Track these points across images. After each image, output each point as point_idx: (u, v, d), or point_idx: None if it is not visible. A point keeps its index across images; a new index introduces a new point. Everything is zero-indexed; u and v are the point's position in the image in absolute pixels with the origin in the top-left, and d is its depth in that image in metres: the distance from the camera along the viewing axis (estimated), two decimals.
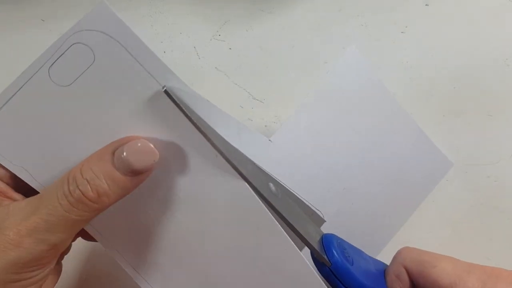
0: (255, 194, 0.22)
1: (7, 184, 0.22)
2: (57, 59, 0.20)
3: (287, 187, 0.28)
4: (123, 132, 0.21)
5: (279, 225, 0.22)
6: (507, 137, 0.36)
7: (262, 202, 0.21)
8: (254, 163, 0.24)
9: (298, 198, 0.28)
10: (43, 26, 0.38)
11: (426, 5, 0.39)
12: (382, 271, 0.27)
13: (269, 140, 0.27)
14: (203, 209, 0.23)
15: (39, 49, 0.34)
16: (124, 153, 0.20)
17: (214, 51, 0.38)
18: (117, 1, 0.39)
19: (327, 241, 0.24)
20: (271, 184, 0.23)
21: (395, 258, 0.26)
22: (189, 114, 0.19)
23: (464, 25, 0.39)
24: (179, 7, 0.40)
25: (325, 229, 0.34)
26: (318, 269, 0.23)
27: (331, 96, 0.29)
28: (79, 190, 0.20)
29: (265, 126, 0.37)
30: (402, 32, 0.39)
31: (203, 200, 0.23)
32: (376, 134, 0.32)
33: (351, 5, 0.40)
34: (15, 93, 0.21)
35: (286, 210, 0.22)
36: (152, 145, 0.21)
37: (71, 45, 0.20)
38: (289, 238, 0.22)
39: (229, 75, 0.38)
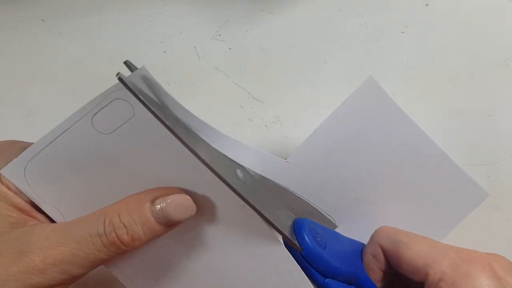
0: (283, 245, 0.22)
1: (31, 205, 0.23)
2: (100, 109, 0.21)
3: (301, 196, 0.28)
4: (156, 183, 0.22)
5: (307, 279, 0.22)
6: (507, 137, 0.36)
7: (229, 189, 0.21)
8: (220, 152, 0.24)
9: (290, 193, 0.27)
10: (43, 26, 0.38)
11: (426, 5, 0.39)
12: (359, 251, 0.26)
13: (286, 161, 0.29)
14: (229, 255, 0.23)
15: (39, 49, 0.34)
16: (164, 204, 0.21)
17: (214, 51, 0.38)
18: (117, 1, 0.39)
19: (298, 226, 0.23)
20: (238, 171, 0.23)
21: (372, 238, 0.26)
22: (151, 107, 0.19)
23: (464, 25, 0.39)
24: (179, 7, 0.40)
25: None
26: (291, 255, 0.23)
27: (348, 120, 0.30)
28: (115, 233, 0.20)
29: (265, 126, 0.37)
30: (402, 32, 0.39)
31: (230, 247, 0.23)
32: (394, 156, 0.32)
33: (351, 5, 0.40)
34: (59, 135, 0.22)
35: (254, 197, 0.22)
36: (191, 200, 0.21)
37: (113, 100, 0.21)
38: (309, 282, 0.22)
39: (229, 75, 0.38)
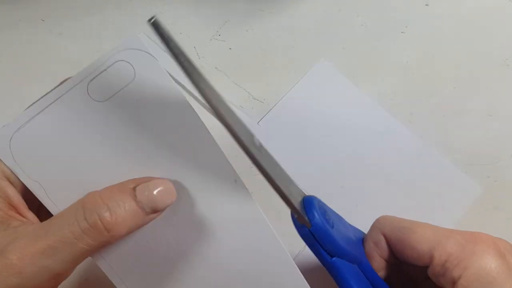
0: (269, 225, 0.22)
1: (24, 201, 0.22)
2: (98, 74, 0.20)
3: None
4: (151, 154, 0.21)
5: (291, 258, 0.22)
6: (507, 137, 0.36)
7: (248, 156, 0.20)
8: (240, 119, 0.23)
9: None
10: (43, 26, 0.38)
11: (426, 5, 0.39)
12: (360, 239, 0.26)
13: (258, 124, 0.35)
14: (217, 235, 0.23)
15: (39, 49, 0.34)
16: (147, 191, 0.21)
17: (214, 51, 0.38)
18: (117, 1, 0.39)
19: (308, 202, 0.23)
20: (255, 138, 0.22)
21: (373, 226, 0.26)
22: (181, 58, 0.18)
23: (464, 25, 0.39)
24: (179, 7, 0.40)
25: None
26: (298, 231, 0.23)
27: (310, 94, 0.37)
28: (97, 214, 0.19)
29: None
30: (402, 32, 0.39)
31: (218, 226, 0.23)
32: (356, 134, 0.36)
33: (351, 5, 0.40)
34: (50, 104, 0.20)
35: (269, 167, 0.21)
36: (172, 186, 0.21)
37: (115, 62, 0.20)
38: (299, 271, 0.22)
39: (229, 75, 0.38)
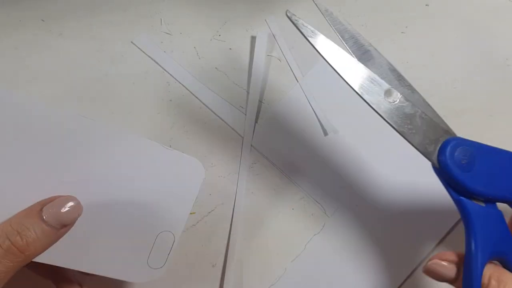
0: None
1: None
2: None
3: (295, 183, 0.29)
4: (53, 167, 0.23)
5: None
6: (507, 137, 0.36)
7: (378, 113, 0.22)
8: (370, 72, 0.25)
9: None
10: (43, 26, 0.38)
11: (426, 5, 0.39)
12: None
13: (258, 124, 0.36)
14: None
15: (39, 49, 0.34)
16: (52, 210, 0.22)
17: (214, 51, 0.38)
18: (117, 1, 0.39)
19: (445, 143, 0.25)
20: (394, 93, 0.24)
21: None
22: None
23: (464, 25, 0.39)
24: (179, 7, 0.40)
25: (329, 227, 0.34)
26: (433, 169, 0.24)
27: (310, 94, 0.37)
28: (9, 240, 0.21)
29: None
30: (402, 32, 0.39)
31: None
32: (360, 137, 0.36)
33: (351, 5, 0.40)
34: None
35: (401, 118, 0.23)
36: (77, 201, 0.23)
37: None
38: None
39: (229, 75, 0.38)
